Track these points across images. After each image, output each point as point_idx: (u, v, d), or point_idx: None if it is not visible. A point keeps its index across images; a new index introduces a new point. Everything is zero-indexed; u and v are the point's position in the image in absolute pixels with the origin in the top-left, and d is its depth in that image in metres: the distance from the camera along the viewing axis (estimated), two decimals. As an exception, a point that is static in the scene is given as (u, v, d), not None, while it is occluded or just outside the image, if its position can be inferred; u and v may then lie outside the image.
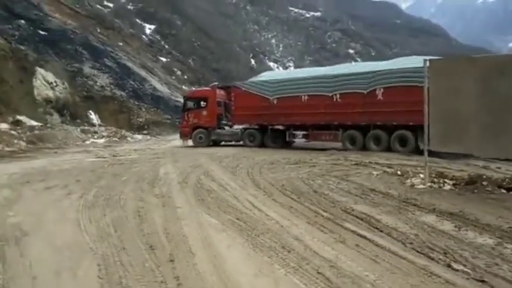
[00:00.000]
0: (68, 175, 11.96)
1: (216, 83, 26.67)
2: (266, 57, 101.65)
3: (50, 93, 33.05)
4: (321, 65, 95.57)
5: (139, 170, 12.87)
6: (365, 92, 17.93)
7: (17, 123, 27.59)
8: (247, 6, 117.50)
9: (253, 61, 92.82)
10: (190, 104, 24.16)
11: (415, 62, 16.99)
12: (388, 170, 11.34)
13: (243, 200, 8.05)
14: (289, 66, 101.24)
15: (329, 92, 18.93)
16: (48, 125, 29.22)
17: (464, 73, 8.61)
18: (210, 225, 6.29)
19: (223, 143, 23.91)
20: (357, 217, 6.51)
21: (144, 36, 65.55)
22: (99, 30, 49.95)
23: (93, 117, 35.53)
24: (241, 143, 22.77)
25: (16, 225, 6.55)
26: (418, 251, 4.94)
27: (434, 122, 9.00)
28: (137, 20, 69.23)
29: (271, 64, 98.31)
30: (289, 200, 7.97)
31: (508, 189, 8.01)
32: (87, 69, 39.91)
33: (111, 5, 66.47)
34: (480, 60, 8.80)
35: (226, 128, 23.61)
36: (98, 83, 39.22)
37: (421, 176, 9.55)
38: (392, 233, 5.66)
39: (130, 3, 73.43)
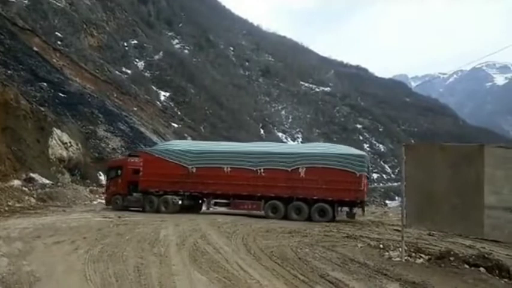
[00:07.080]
0: (76, 232, 12.92)
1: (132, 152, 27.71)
2: (275, 128, 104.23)
3: (64, 153, 34.54)
4: (330, 138, 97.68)
5: (141, 231, 13.77)
6: (289, 169, 20.27)
7: (29, 180, 28.79)
8: (260, 78, 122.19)
9: (262, 131, 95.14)
10: (110, 172, 25.18)
11: (332, 148, 22.19)
12: (372, 243, 12.14)
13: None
14: (298, 137, 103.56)
15: (253, 166, 20.82)
16: (59, 184, 30.26)
17: (437, 158, 9.66)
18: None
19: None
20: (329, 281, 7.38)
21: (158, 103, 68.32)
22: (115, 95, 52.64)
23: (103, 178, 36.69)
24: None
25: (30, 273, 7.53)
26: (371, 310, 5.82)
27: (410, 201, 9.93)
28: (153, 87, 72.48)
29: (280, 134, 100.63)
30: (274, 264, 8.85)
31: (472, 265, 8.81)
32: (101, 131, 41.80)
33: (129, 71, 69.95)
34: (451, 149, 9.89)
35: (135, 194, 23.22)
36: (110, 146, 40.92)
37: (400, 250, 10.35)
38: (354, 295, 6.54)
39: (148, 71, 77.12)
